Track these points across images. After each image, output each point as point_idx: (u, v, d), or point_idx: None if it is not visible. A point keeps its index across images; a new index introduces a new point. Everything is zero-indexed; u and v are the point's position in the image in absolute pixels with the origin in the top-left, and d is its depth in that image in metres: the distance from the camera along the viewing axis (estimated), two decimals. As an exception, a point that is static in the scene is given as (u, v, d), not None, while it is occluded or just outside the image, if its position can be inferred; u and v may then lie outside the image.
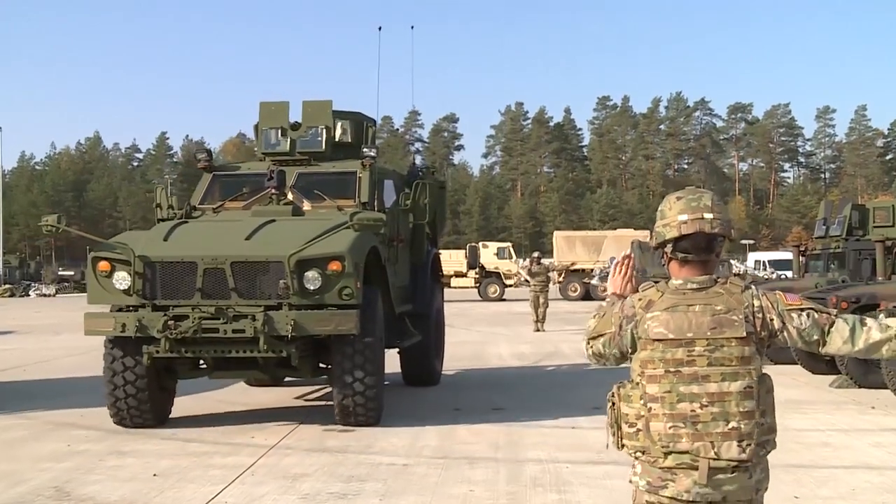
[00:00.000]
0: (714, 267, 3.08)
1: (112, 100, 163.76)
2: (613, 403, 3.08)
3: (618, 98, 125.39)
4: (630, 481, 3.08)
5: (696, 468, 2.93)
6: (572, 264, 40.71)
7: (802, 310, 3.02)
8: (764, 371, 3.03)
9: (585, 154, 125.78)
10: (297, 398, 11.67)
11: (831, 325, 3.02)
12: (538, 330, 22.24)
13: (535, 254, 24.36)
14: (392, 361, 12.48)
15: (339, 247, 8.82)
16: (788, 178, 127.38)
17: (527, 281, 25.17)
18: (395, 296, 10.65)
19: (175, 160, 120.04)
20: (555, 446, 8.39)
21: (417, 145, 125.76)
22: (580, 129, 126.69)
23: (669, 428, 2.95)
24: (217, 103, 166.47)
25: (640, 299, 3.07)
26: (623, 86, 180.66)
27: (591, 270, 39.92)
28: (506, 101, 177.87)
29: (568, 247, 41.83)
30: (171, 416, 9.88)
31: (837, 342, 3.02)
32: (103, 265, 9.07)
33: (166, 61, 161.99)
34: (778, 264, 42.36)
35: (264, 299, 8.82)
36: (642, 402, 3.00)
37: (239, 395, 12.03)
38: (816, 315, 3.03)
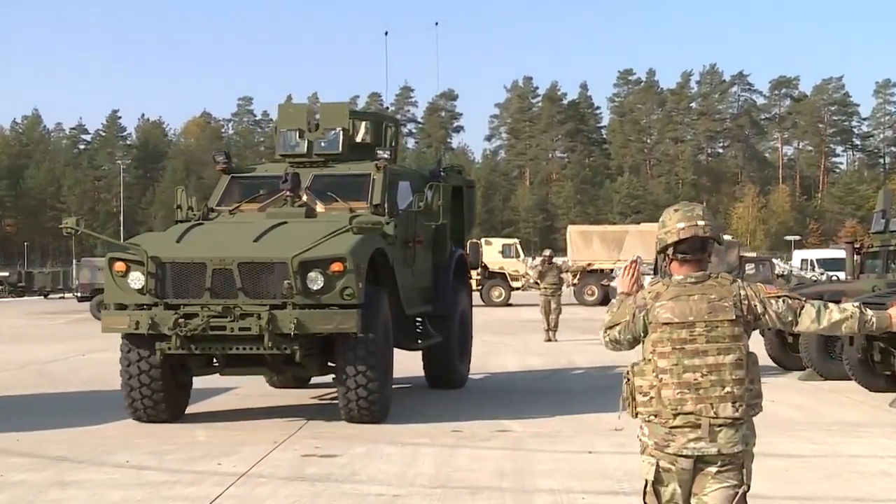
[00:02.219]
0: (706, 265, 4.39)
1: (54, 72, 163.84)
2: (628, 379, 4.35)
3: (642, 72, 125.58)
4: (639, 439, 4.36)
5: (700, 426, 4.19)
6: (589, 264, 40.76)
7: (779, 297, 4.37)
8: (751, 350, 4.32)
9: (604, 136, 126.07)
10: (289, 407, 11.70)
11: (801, 309, 4.38)
12: (549, 339, 22.28)
13: (546, 252, 24.37)
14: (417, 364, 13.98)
15: (340, 248, 10.42)
16: (841, 163, 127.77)
17: (536, 283, 25.17)
18: (409, 297, 12.24)
19: (129, 143, 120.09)
20: (569, 474, 8.39)
21: (410, 126, 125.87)
22: (598, 108, 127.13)
23: (677, 394, 4.22)
24: (177, 78, 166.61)
25: (649, 292, 4.36)
26: (648, 58, 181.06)
27: (611, 271, 39.91)
28: (512, 76, 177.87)
29: (584, 244, 41.87)
30: (122, 438, 10.03)
31: (806, 321, 4.38)
32: (119, 266, 10.80)
33: (117, 29, 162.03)
34: (828, 264, 42.32)
35: (269, 299, 10.50)
36: (654, 374, 4.27)
37: (218, 405, 12.12)
38: (790, 301, 4.38)
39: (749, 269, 34.00)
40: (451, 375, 14.05)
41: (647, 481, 4.30)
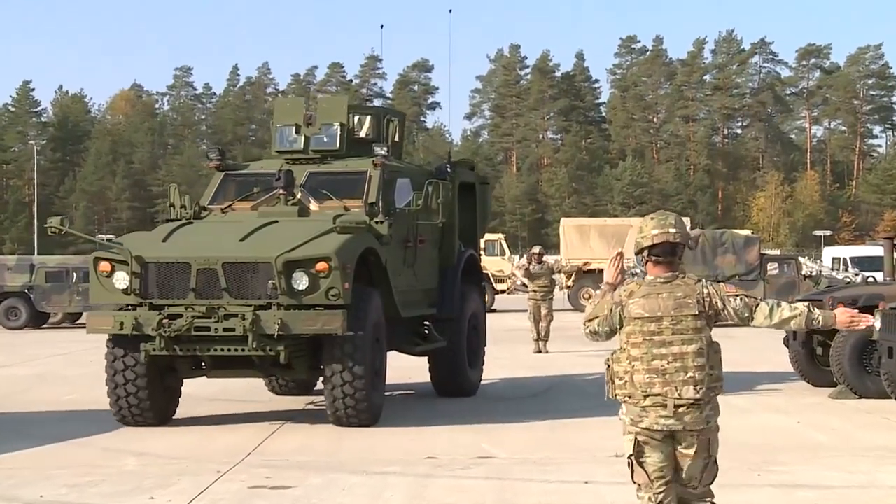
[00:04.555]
0: (677, 266, 5.93)
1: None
2: (609, 365, 5.93)
3: (647, 39, 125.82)
4: (620, 418, 5.93)
5: (666, 405, 5.74)
6: (585, 263, 40.73)
7: (737, 296, 5.94)
8: (714, 340, 5.92)
9: (603, 115, 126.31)
10: (235, 428, 11.69)
11: (756, 306, 5.95)
12: (539, 351, 22.36)
13: (536, 249, 24.37)
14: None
15: (325, 248, 11.65)
16: (879, 145, 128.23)
17: (524, 285, 25.29)
18: (408, 298, 13.45)
19: (44, 119, 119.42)
20: (563, 508, 8.43)
21: (377, 102, 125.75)
22: (597, 82, 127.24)
23: (647, 378, 5.79)
24: (102, 44, 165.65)
25: (625, 290, 5.93)
26: (654, 23, 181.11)
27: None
28: (497, 44, 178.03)
29: (580, 239, 41.95)
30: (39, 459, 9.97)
31: (760, 318, 5.95)
32: (104, 266, 12.15)
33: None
34: (864, 263, 42.54)
35: (254, 299, 11.86)
36: (628, 361, 5.86)
37: (151, 428, 12.10)
38: (747, 299, 5.96)
39: (771, 269, 34.01)
40: (459, 382, 15.13)
41: (630, 461, 5.82)
